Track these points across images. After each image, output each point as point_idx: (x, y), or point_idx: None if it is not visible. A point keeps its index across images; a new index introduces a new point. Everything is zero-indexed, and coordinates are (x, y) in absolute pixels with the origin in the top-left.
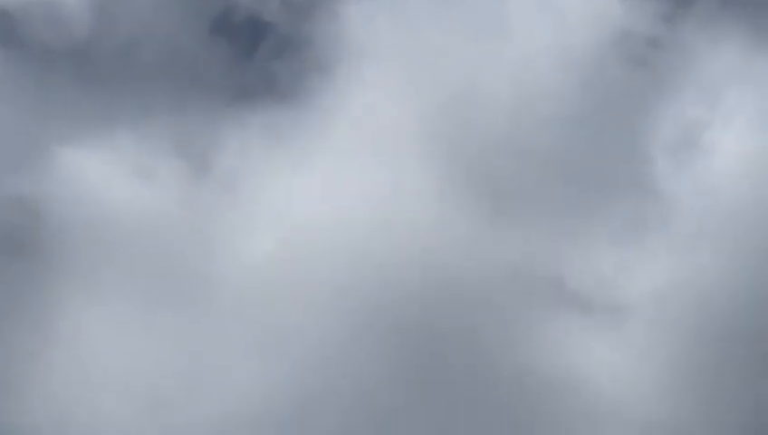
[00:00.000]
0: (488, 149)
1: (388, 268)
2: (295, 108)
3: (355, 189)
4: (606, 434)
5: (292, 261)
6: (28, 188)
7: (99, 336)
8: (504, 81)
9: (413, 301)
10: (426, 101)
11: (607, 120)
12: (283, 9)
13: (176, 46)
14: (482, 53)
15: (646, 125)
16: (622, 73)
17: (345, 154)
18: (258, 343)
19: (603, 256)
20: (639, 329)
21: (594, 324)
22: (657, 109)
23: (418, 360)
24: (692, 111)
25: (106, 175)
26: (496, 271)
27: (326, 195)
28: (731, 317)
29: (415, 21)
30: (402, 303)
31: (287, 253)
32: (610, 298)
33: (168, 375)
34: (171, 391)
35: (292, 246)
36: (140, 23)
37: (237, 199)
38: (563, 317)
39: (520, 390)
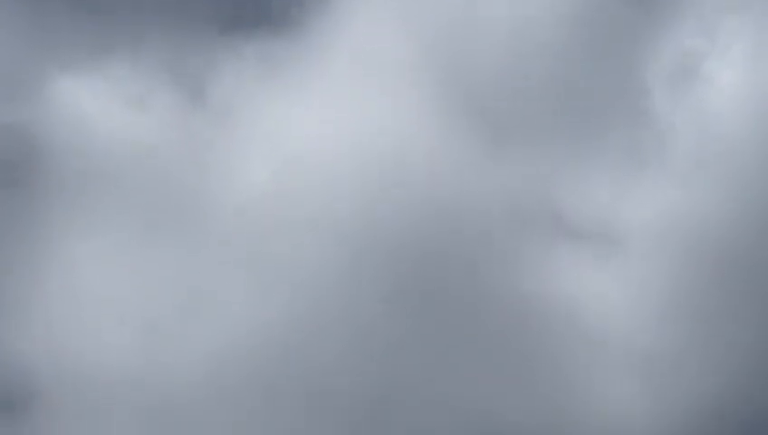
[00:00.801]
0: (486, 79)
1: (386, 198)
2: (291, 37)
3: (352, 119)
4: (603, 364)
5: (288, 191)
6: (22, 117)
7: (94, 265)
8: (503, 10)
9: (410, 231)
10: (423, 29)
11: (605, 51)
12: None
13: None
14: None
15: (644, 55)
16: (620, 3)
17: (342, 83)
18: (254, 272)
19: (600, 187)
20: (637, 260)
21: (591, 255)
22: (655, 39)
23: (416, 290)
24: (690, 42)
25: (100, 104)
26: (493, 201)
27: (322, 125)
28: (728, 248)
29: None
30: (399, 233)
31: (283, 182)
32: (607, 229)
33: (164, 305)
34: (167, 321)
35: (289, 176)
36: None
37: (233, 129)
38: (560, 248)
39: (517, 320)
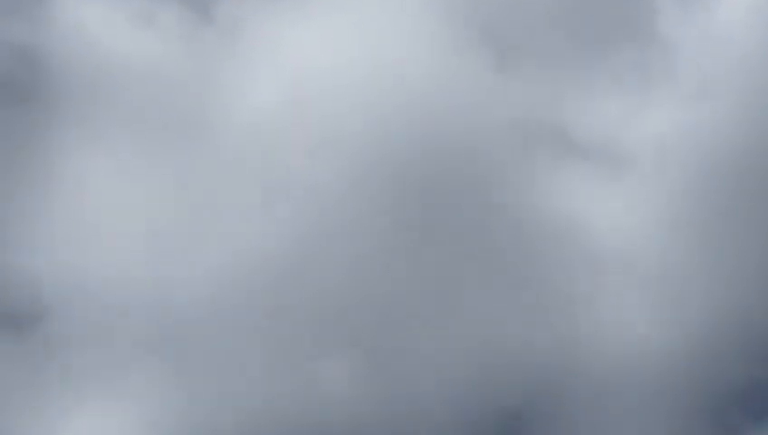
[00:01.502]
0: None
1: (391, 117)
2: None
3: (358, 38)
4: (607, 282)
5: (294, 108)
6: (28, 35)
7: (100, 182)
8: None
9: (415, 149)
10: None
11: None
12: None
13: None
14: None
15: None
16: None
17: (348, 2)
18: (260, 190)
19: (606, 105)
20: (643, 178)
21: (597, 174)
22: None
23: (420, 208)
24: None
25: (107, 21)
26: (499, 120)
27: (329, 44)
28: (736, 166)
29: None
30: (405, 150)
31: (289, 99)
32: (614, 147)
33: (170, 221)
34: (173, 237)
35: (295, 92)
36: None
37: (239, 47)
38: (566, 166)
39: (521, 238)
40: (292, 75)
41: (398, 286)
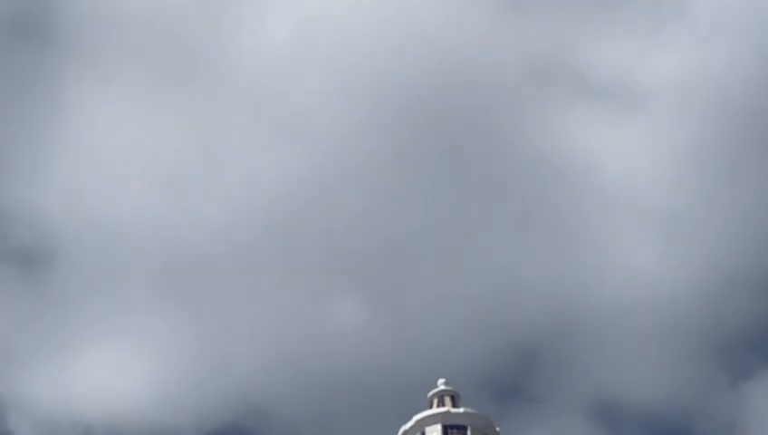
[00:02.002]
0: None
1: (405, 56)
2: None
3: None
4: (621, 220)
5: (307, 45)
6: None
7: (113, 120)
8: None
9: (428, 86)
10: None
11: None
12: None
13: None
14: None
15: None
16: None
17: None
18: (274, 126)
19: (620, 45)
20: (657, 118)
21: (610, 113)
22: None
23: (433, 145)
24: None
25: None
26: (513, 57)
27: None
28: (750, 106)
29: None
30: (418, 90)
31: (302, 37)
32: (627, 86)
33: (183, 159)
34: (185, 175)
35: (308, 30)
36: None
37: None
38: (579, 105)
39: (535, 175)
40: (306, 12)
41: (411, 225)
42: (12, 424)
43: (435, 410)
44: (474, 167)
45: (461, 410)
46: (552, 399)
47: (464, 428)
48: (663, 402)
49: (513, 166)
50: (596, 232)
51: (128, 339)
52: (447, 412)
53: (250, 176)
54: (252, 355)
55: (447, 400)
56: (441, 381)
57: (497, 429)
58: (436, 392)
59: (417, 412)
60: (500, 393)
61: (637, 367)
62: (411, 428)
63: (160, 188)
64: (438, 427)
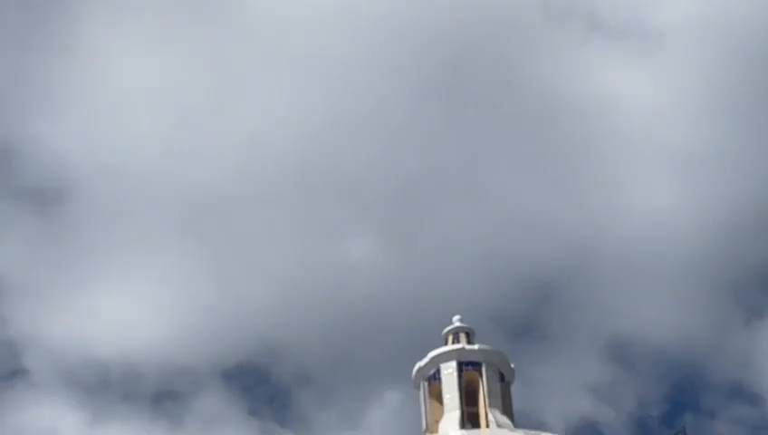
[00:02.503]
0: None
1: None
2: None
3: None
4: (637, 159)
5: None
6: None
7: (127, 57)
8: None
9: (444, 25)
10: None
11: None
12: None
13: None
14: None
15: None
16: None
17: None
18: (288, 65)
19: None
20: (674, 56)
21: (627, 50)
22: None
23: (450, 83)
24: None
25: None
26: None
27: None
28: (766, 44)
29: None
30: (432, 25)
31: None
32: (644, 24)
33: (197, 96)
34: (200, 113)
35: None
36: None
37: None
38: (597, 43)
39: (551, 114)
40: None
41: (426, 162)
42: (28, 364)
43: (450, 346)
44: (489, 105)
45: (476, 346)
46: (567, 337)
47: (478, 364)
48: (677, 341)
49: (528, 104)
50: (612, 171)
51: (143, 278)
52: (462, 349)
53: (265, 115)
54: (267, 294)
55: (462, 336)
56: (456, 317)
57: (512, 365)
58: (451, 329)
59: (431, 349)
60: (514, 331)
61: (651, 306)
62: (426, 365)
63: (175, 127)
64: (453, 364)
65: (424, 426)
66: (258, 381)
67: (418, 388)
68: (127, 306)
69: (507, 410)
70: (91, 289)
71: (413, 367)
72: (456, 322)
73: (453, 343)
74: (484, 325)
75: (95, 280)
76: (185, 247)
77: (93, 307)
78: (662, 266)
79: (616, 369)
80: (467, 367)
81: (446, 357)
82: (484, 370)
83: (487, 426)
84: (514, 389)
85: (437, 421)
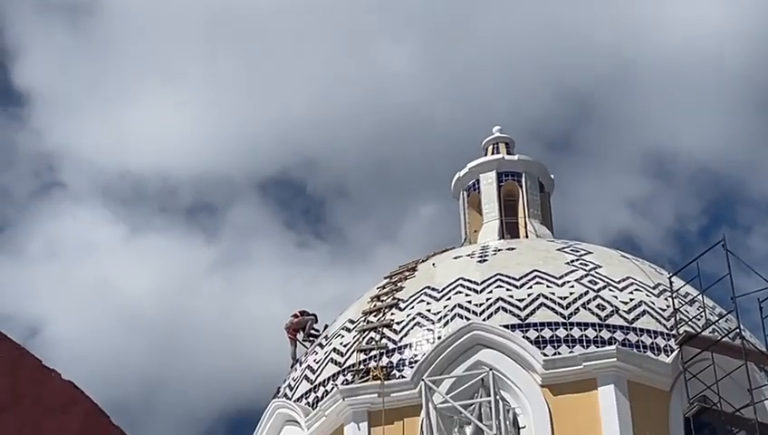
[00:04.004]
0: None
1: None
2: None
3: None
4: None
5: None
6: None
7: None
8: None
9: None
10: None
11: None
12: None
13: None
14: None
15: None
16: None
17: None
18: None
19: None
20: None
21: None
22: None
23: None
24: None
25: None
26: None
27: None
28: None
29: None
30: None
31: None
32: None
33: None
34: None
35: None
36: None
37: None
38: None
39: None
40: None
41: None
42: (64, 177)
43: (489, 156)
44: None
45: (515, 157)
46: (606, 150)
47: (518, 174)
48: (718, 157)
49: None
50: None
51: (178, 91)
52: (502, 159)
53: None
54: (304, 105)
55: (502, 147)
56: (496, 128)
57: (552, 176)
58: (491, 139)
59: (470, 160)
60: (553, 144)
61: (692, 120)
62: (465, 175)
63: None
64: (493, 174)
65: (463, 236)
66: (294, 194)
67: (458, 198)
68: (162, 118)
69: (546, 221)
70: (125, 101)
71: (451, 179)
72: (496, 132)
73: (493, 153)
74: (524, 138)
75: (130, 92)
76: (220, 59)
77: (128, 119)
78: (704, 79)
79: (654, 183)
80: (507, 177)
81: (486, 167)
82: (524, 180)
83: (527, 236)
84: (553, 201)
85: (476, 231)
